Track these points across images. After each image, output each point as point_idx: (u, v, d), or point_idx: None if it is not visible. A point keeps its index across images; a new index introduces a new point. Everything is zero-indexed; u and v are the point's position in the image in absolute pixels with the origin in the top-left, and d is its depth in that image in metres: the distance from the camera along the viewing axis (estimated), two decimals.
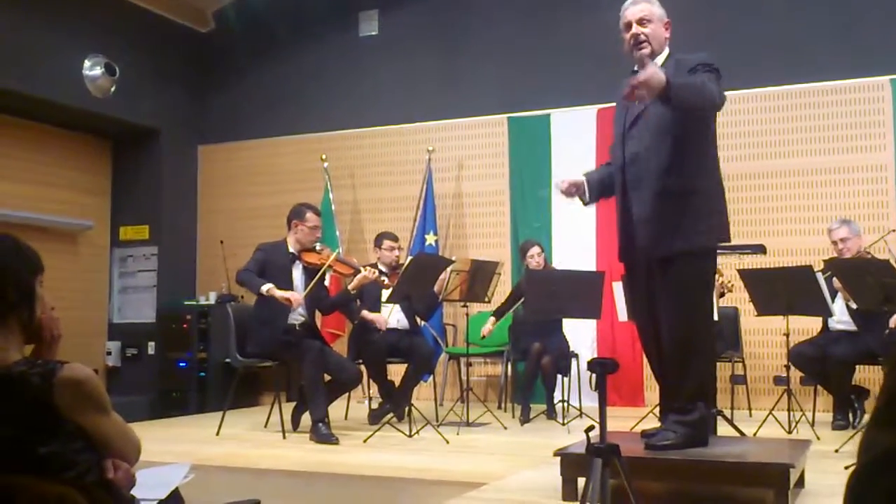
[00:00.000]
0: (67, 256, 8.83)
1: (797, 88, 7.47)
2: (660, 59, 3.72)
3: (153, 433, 5.97)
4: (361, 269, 6.10)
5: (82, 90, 8.31)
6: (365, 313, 6.50)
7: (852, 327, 5.99)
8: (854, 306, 5.75)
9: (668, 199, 3.63)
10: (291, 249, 6.05)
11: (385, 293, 6.43)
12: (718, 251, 4.40)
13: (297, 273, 6.03)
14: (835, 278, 5.60)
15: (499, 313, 6.94)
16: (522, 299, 6.65)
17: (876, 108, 7.22)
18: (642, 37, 3.69)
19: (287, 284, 5.92)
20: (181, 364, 8.69)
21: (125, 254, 9.39)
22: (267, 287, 5.76)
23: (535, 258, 6.84)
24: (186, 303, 8.99)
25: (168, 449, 5.27)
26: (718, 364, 5.14)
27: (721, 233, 3.74)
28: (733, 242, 6.39)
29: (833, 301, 5.77)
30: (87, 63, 8.34)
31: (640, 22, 3.71)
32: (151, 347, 9.03)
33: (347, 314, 6.72)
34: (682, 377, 3.69)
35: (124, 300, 9.38)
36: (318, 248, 6.11)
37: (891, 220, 7.05)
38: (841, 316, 6.00)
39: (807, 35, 7.42)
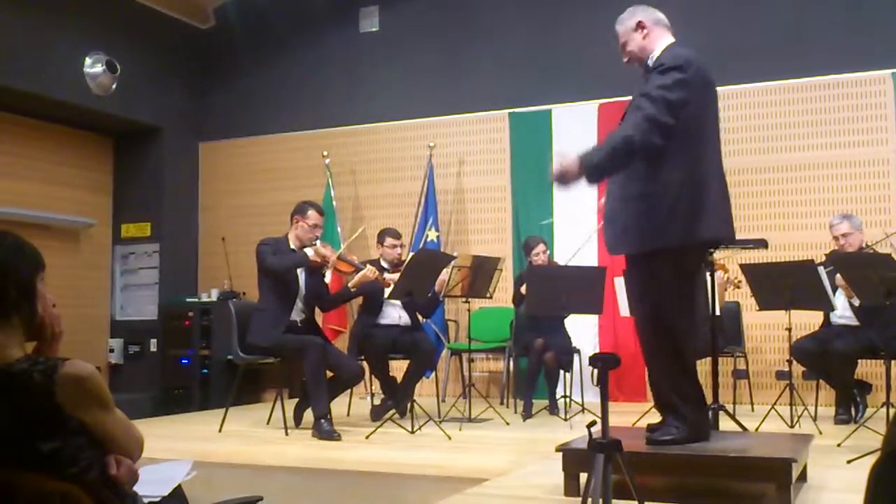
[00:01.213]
0: (69, 254, 8.83)
1: (798, 83, 7.46)
2: (652, 60, 3.75)
3: (156, 430, 5.97)
4: (362, 266, 6.10)
5: (83, 88, 8.31)
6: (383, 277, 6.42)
7: (854, 322, 5.98)
8: (856, 303, 5.75)
9: (623, 202, 3.69)
10: (292, 245, 6.05)
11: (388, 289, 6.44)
12: (717, 247, 4.41)
13: (300, 270, 6.03)
14: (837, 273, 5.59)
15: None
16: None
17: (877, 101, 7.22)
18: (627, 60, 3.90)
19: (293, 279, 5.93)
20: (183, 361, 8.71)
21: (127, 251, 9.40)
22: (305, 253, 5.91)
23: (540, 256, 6.84)
24: (188, 300, 9.01)
25: (170, 446, 5.28)
26: (721, 359, 5.14)
27: (683, 235, 3.59)
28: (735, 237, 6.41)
29: (834, 295, 5.77)
30: (88, 60, 8.34)
31: (621, 49, 3.89)
32: (153, 344, 9.04)
33: (370, 294, 6.61)
34: (653, 376, 3.80)
35: (126, 297, 9.39)
36: (318, 245, 6.12)
37: (891, 214, 7.04)
38: (843, 310, 5.99)
39: (808, 29, 7.41)
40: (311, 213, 6.09)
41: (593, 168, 3.50)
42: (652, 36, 3.78)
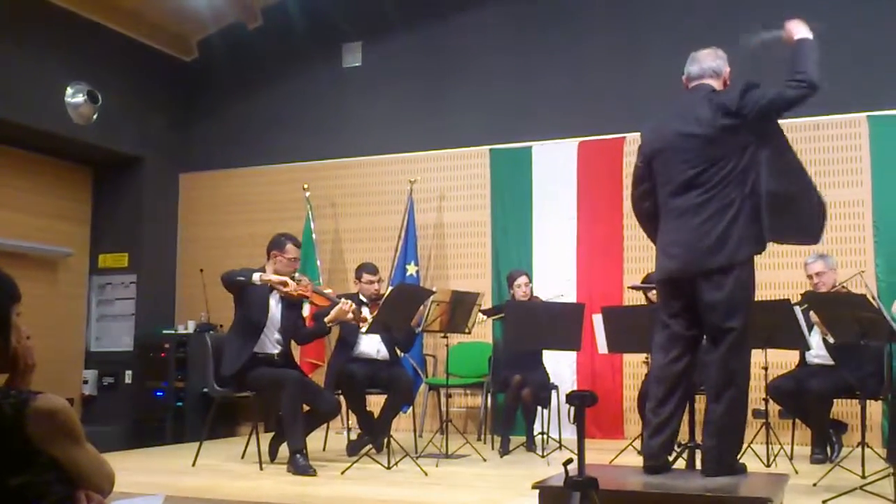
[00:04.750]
0: (46, 284, 8.76)
1: None
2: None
3: (129, 463, 5.90)
4: (338, 301, 6.06)
5: (64, 117, 8.29)
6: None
7: (829, 361, 6.01)
8: (831, 340, 5.79)
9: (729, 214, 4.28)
10: None
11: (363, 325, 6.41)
12: None
13: (274, 302, 5.98)
14: (812, 311, 5.63)
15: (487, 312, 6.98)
16: (503, 316, 6.65)
17: (853, 144, 7.32)
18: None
19: (263, 313, 5.88)
20: (158, 393, 8.62)
21: (104, 281, 9.34)
22: (258, 274, 5.77)
23: (522, 288, 6.87)
24: (165, 332, 8.94)
25: (143, 480, 5.21)
26: (697, 397, 5.15)
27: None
28: None
29: (810, 334, 5.80)
30: (69, 90, 8.33)
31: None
32: (128, 376, 8.96)
33: (345, 330, 6.60)
34: (726, 402, 4.07)
35: (102, 328, 9.31)
36: (296, 277, 6.09)
37: (867, 255, 7.11)
38: (818, 350, 6.03)
39: (784, 71, 7.50)
40: (290, 246, 6.06)
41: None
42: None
